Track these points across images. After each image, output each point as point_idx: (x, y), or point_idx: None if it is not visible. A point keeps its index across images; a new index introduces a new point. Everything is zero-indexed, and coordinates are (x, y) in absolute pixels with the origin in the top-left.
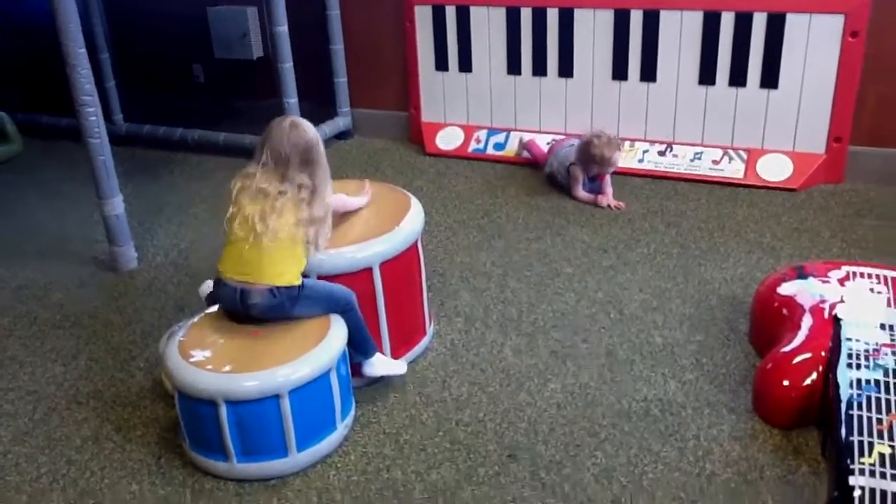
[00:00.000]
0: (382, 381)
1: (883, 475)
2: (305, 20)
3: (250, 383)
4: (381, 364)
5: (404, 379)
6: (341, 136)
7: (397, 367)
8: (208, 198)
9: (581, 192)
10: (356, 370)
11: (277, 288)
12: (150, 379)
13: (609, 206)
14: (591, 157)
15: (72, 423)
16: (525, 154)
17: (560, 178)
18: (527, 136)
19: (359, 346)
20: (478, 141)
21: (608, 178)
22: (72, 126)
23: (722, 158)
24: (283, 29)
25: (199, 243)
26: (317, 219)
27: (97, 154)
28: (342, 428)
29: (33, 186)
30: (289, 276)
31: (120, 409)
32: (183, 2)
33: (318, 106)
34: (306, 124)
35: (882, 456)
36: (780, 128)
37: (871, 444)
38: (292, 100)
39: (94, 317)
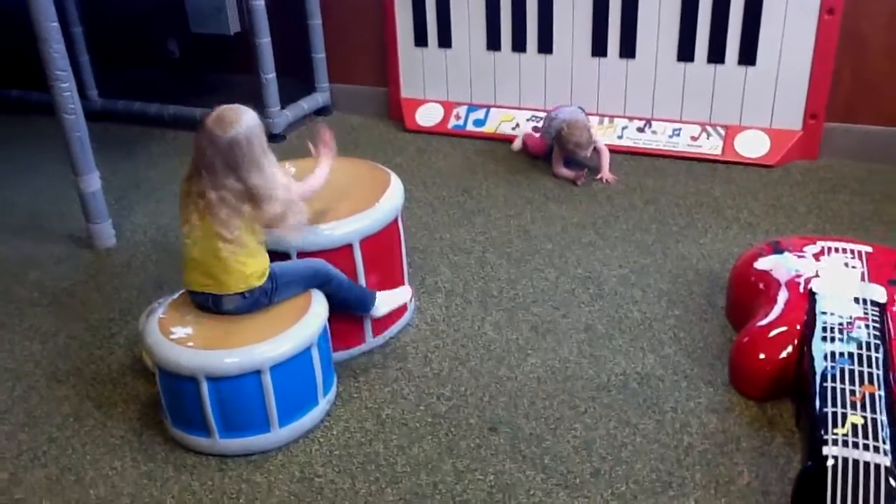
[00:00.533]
0: (361, 356)
1: (856, 445)
2: None
3: (231, 360)
4: (384, 301)
5: (385, 355)
6: (320, 112)
7: (402, 295)
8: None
9: (561, 170)
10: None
11: (249, 290)
12: (130, 356)
13: (604, 179)
14: (566, 146)
15: (52, 400)
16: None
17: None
18: (521, 131)
19: (357, 305)
20: (457, 117)
21: (604, 153)
22: (43, 101)
23: (700, 135)
24: (259, 3)
25: (177, 220)
26: (275, 218)
27: (72, 130)
28: (324, 403)
29: (5, 162)
30: (255, 276)
31: (100, 387)
32: None
33: (297, 81)
34: (230, 117)
35: (855, 426)
36: (758, 104)
37: (844, 415)
38: (270, 75)
39: (73, 294)
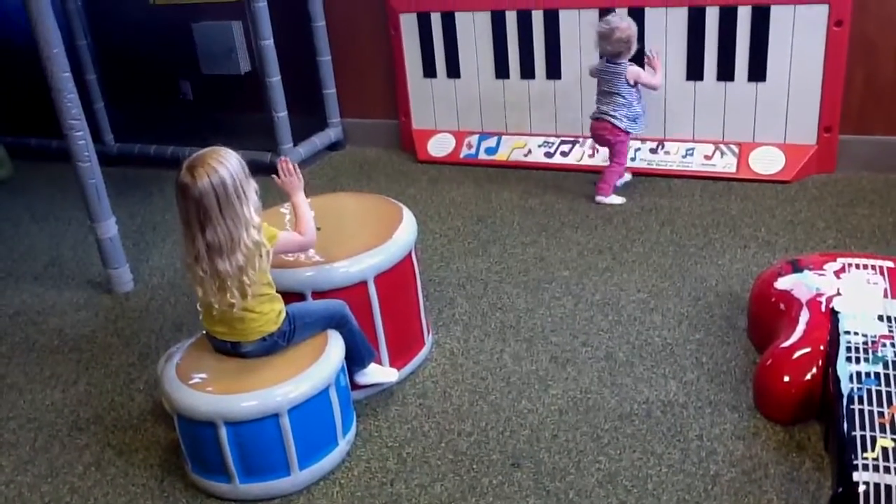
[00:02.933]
0: (381, 393)
1: (887, 469)
2: (291, 33)
3: (249, 403)
4: (373, 372)
5: (404, 391)
6: (333, 147)
7: (388, 374)
8: None
9: (649, 78)
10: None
11: (269, 333)
12: (150, 401)
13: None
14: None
15: (73, 449)
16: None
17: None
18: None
19: (356, 358)
20: (469, 146)
21: (659, 71)
22: (62, 148)
23: (714, 153)
24: (268, 42)
25: None
26: (241, 268)
27: (87, 178)
28: (344, 444)
29: (25, 210)
30: (271, 322)
31: (121, 433)
32: (168, 19)
33: (309, 118)
34: (202, 168)
35: (885, 450)
36: (771, 120)
37: (873, 439)
38: (282, 113)
39: (92, 341)
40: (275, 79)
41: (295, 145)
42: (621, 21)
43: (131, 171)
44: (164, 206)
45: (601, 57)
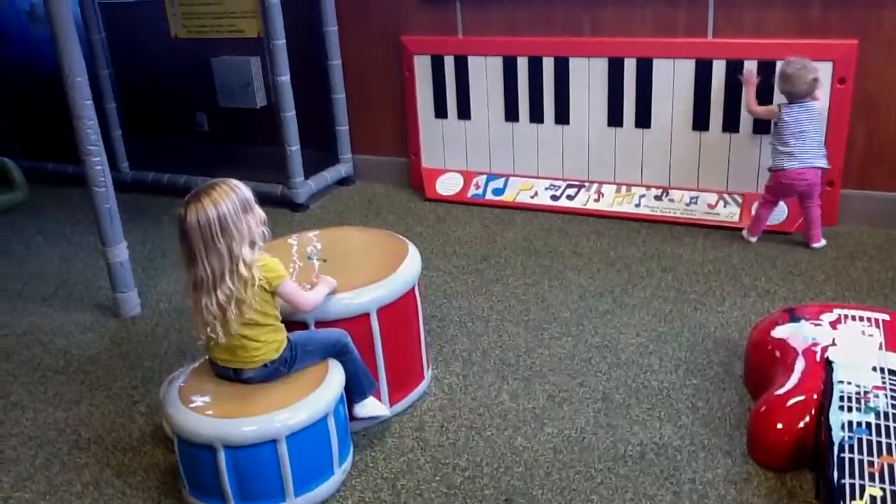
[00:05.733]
0: (378, 425)
1: None
2: (307, 70)
3: (248, 428)
4: (370, 405)
5: (402, 424)
6: (343, 182)
7: (381, 409)
8: None
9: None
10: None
11: (271, 360)
12: (150, 424)
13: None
14: (783, 78)
15: (73, 468)
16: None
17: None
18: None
19: (356, 388)
20: (477, 186)
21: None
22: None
23: (717, 203)
24: (285, 79)
25: None
26: (221, 305)
27: (102, 202)
28: (339, 473)
29: (38, 232)
30: (273, 350)
31: (120, 455)
32: (188, 53)
33: (320, 153)
34: (194, 205)
35: (873, 498)
36: None
37: (862, 487)
38: (294, 147)
39: (97, 362)
40: (290, 114)
41: (306, 178)
42: (808, 61)
43: (144, 198)
44: (175, 234)
45: (789, 101)
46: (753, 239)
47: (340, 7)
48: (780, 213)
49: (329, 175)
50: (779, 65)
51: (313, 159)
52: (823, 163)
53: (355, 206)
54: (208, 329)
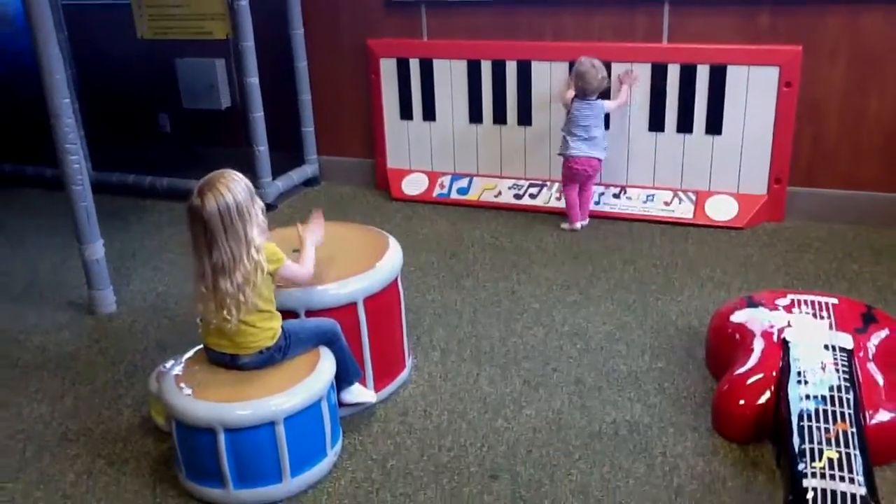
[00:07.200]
0: (363, 411)
1: (832, 477)
2: (274, 72)
3: (247, 411)
4: (357, 392)
5: (386, 409)
6: (309, 182)
7: (369, 395)
8: (182, 242)
9: (617, 102)
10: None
11: (266, 347)
12: (138, 416)
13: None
14: (577, 76)
15: (64, 459)
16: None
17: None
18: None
19: (344, 375)
20: (442, 186)
21: (625, 88)
22: (37, 174)
23: (672, 200)
24: (253, 80)
25: (176, 287)
26: (240, 286)
27: (79, 201)
28: (332, 455)
29: None
30: (269, 337)
31: (111, 445)
32: (151, 54)
33: (286, 154)
34: (210, 193)
35: (831, 460)
36: (725, 171)
37: (820, 451)
38: (262, 148)
39: (77, 358)
40: (258, 114)
41: (273, 179)
42: (597, 61)
43: (108, 200)
44: (143, 234)
45: (578, 96)
46: (578, 226)
47: (307, 10)
48: (730, 209)
49: (296, 176)
50: (574, 65)
51: (279, 161)
52: (602, 154)
53: (322, 206)
54: (224, 312)
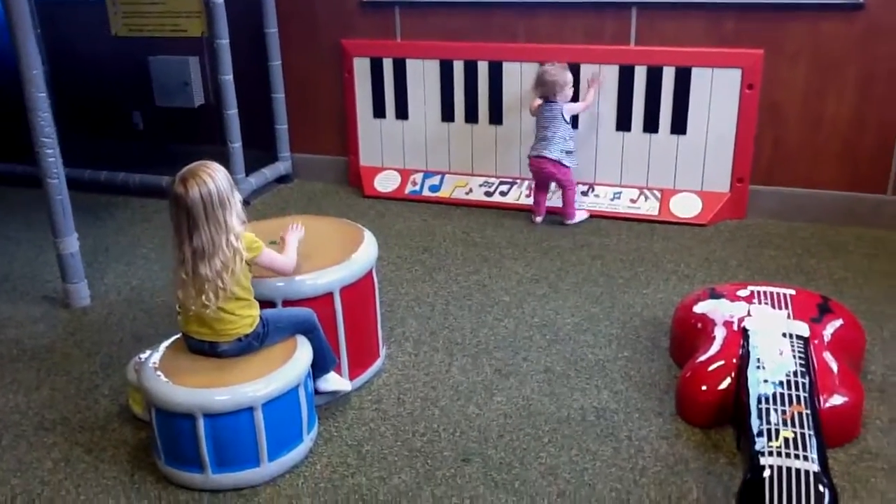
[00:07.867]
0: (338, 399)
1: (788, 455)
2: (247, 69)
3: (226, 397)
4: (332, 380)
5: (361, 397)
6: (282, 179)
7: (344, 383)
8: (154, 238)
9: (580, 104)
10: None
11: (245, 335)
12: (116, 405)
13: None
14: (540, 80)
15: (41, 447)
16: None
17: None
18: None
19: (320, 364)
20: (414, 183)
21: (592, 90)
22: (7, 171)
23: (638, 198)
24: (228, 78)
25: (149, 281)
26: (218, 272)
27: (55, 194)
28: (308, 440)
29: None
30: (248, 325)
31: (88, 433)
32: (126, 51)
33: (259, 151)
34: (193, 180)
35: (787, 440)
36: (690, 170)
37: (777, 431)
38: (236, 144)
39: (52, 350)
40: (232, 111)
41: (246, 176)
42: (553, 67)
43: (81, 196)
44: (116, 230)
45: (543, 101)
46: (538, 219)
47: (282, 9)
48: (694, 206)
49: (269, 172)
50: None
51: (252, 158)
52: (559, 156)
53: (296, 203)
54: (203, 298)
